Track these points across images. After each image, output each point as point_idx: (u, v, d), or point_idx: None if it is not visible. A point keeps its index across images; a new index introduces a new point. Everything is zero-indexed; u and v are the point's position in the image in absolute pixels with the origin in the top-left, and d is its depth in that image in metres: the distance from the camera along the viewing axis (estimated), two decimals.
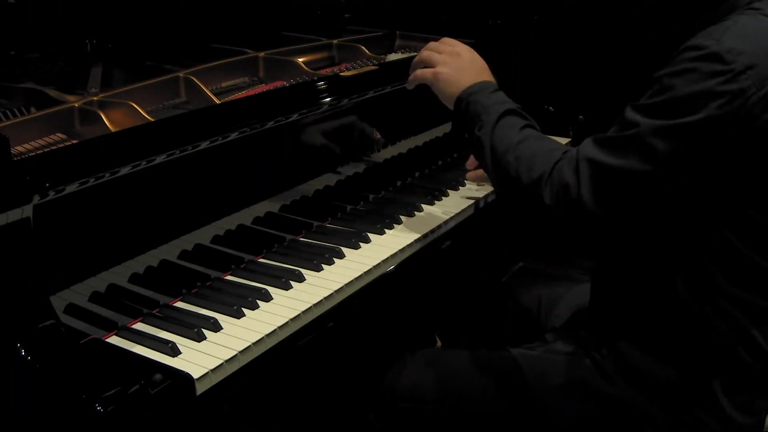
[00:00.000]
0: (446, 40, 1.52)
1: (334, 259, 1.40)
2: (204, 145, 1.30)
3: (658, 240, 1.20)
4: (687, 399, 1.23)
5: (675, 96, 1.08)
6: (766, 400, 1.24)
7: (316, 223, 1.56)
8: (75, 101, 1.45)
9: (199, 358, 1.10)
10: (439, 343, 2.03)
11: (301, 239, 1.51)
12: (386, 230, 1.53)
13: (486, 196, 1.74)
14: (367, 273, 1.37)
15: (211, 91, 1.58)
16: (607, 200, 1.14)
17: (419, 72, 1.49)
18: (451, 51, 1.48)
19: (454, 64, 1.46)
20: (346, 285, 1.32)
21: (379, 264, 1.40)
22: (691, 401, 1.23)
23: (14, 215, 1.04)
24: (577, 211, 1.16)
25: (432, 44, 1.51)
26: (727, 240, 1.16)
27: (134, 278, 1.24)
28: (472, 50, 1.49)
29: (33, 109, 1.47)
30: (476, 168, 1.61)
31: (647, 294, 1.25)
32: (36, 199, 1.06)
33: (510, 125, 1.33)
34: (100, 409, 0.95)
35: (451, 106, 1.43)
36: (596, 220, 1.15)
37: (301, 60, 1.81)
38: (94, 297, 1.18)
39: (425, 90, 1.83)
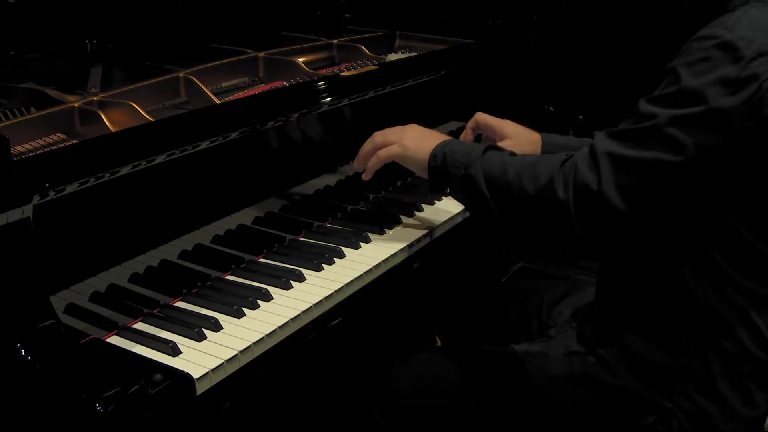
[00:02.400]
0: (385, 130, 1.47)
1: (335, 259, 1.40)
2: (204, 145, 1.30)
3: (672, 229, 1.20)
4: (690, 389, 1.23)
5: (690, 85, 1.10)
6: (767, 392, 1.24)
7: (316, 223, 1.56)
8: (75, 101, 1.45)
9: (199, 358, 1.10)
10: (438, 343, 2.03)
11: (302, 239, 1.51)
12: (386, 230, 1.53)
13: None
14: (367, 273, 1.37)
15: (211, 91, 1.58)
16: (632, 193, 1.14)
17: (383, 152, 1.43)
18: (400, 128, 1.45)
19: (413, 133, 1.43)
20: (347, 285, 1.32)
21: (379, 264, 1.40)
22: (694, 391, 1.23)
23: (14, 215, 1.04)
24: (599, 207, 1.15)
25: (376, 133, 1.47)
26: (731, 226, 1.17)
27: (134, 278, 1.24)
28: (417, 126, 1.48)
29: (33, 109, 1.48)
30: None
31: (654, 282, 1.25)
32: (36, 199, 1.06)
33: (496, 155, 1.31)
34: (100, 409, 0.95)
35: (423, 167, 1.38)
36: (619, 215, 1.15)
37: (301, 60, 1.81)
38: (94, 297, 1.18)
39: (425, 90, 1.84)
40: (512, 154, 1.32)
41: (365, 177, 1.47)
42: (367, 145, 1.47)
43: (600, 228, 1.19)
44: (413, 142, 1.41)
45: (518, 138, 1.62)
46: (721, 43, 1.10)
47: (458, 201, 1.40)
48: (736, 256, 1.19)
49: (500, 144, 1.61)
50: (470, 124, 1.68)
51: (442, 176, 1.36)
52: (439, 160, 1.36)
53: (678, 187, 1.14)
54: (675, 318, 1.24)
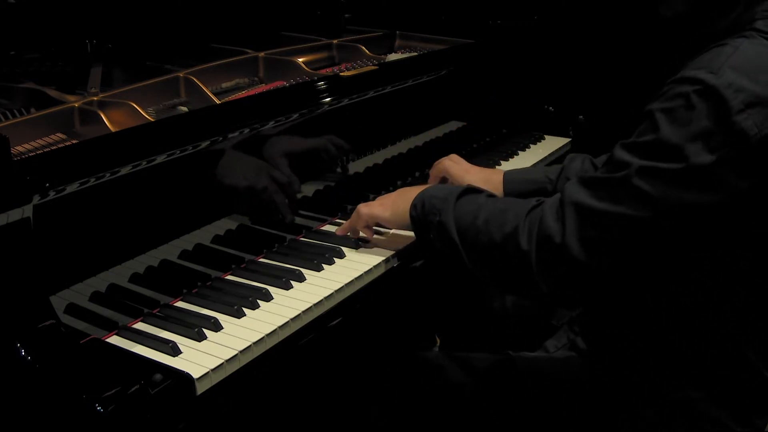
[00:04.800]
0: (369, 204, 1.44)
1: (335, 259, 1.40)
2: (204, 145, 1.30)
3: (649, 278, 1.14)
4: (685, 406, 1.22)
5: (668, 137, 1.00)
6: (763, 416, 1.23)
7: (316, 223, 1.56)
8: (75, 101, 1.45)
9: (199, 358, 1.10)
10: (438, 342, 2.03)
11: (302, 239, 1.51)
12: (387, 230, 1.53)
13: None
14: (367, 273, 1.37)
15: (211, 91, 1.58)
16: (596, 247, 1.05)
17: (365, 210, 1.39)
18: (378, 199, 1.43)
19: (392, 196, 1.40)
20: (347, 285, 1.32)
21: (379, 263, 1.40)
22: (694, 412, 1.22)
23: (14, 215, 1.04)
24: (561, 261, 1.07)
25: (360, 206, 1.43)
26: (722, 263, 1.11)
27: (134, 278, 1.24)
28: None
29: (33, 109, 1.47)
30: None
31: (640, 318, 1.23)
32: (36, 199, 1.06)
33: (470, 200, 1.24)
34: (100, 409, 0.95)
35: (407, 223, 1.34)
36: (583, 270, 1.07)
37: (301, 60, 1.81)
38: (95, 297, 1.18)
39: (425, 90, 1.84)
40: (490, 195, 1.25)
41: (341, 232, 1.44)
42: (353, 220, 1.43)
43: (565, 283, 1.10)
44: (393, 202, 1.37)
45: (480, 184, 1.54)
46: (703, 90, 0.98)
47: (436, 251, 1.29)
48: (730, 290, 1.13)
49: None
50: (435, 173, 1.63)
51: (421, 225, 1.29)
52: (418, 209, 1.30)
53: (648, 242, 1.05)
54: (667, 347, 1.21)
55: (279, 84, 1.74)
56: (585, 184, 1.09)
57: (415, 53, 2.08)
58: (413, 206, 1.31)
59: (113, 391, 0.97)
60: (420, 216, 1.30)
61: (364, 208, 1.41)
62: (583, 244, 1.05)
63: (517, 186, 1.56)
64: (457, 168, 1.60)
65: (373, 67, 1.74)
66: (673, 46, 1.17)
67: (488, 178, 1.58)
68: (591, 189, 1.07)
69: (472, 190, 1.28)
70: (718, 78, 0.98)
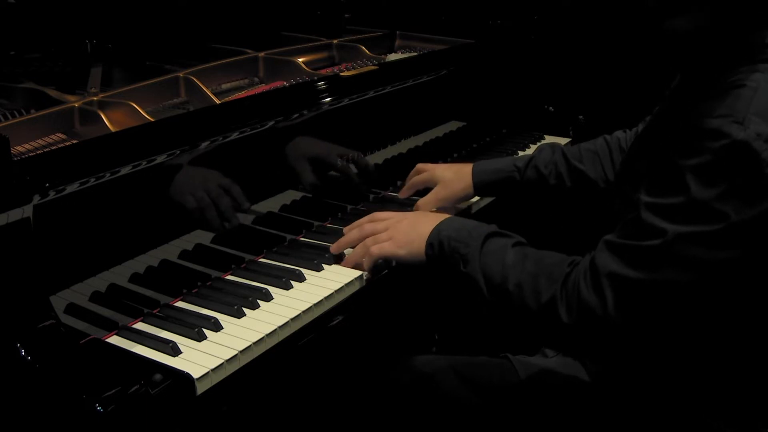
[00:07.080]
0: (378, 214, 1.38)
1: (335, 259, 1.40)
2: (204, 145, 1.30)
3: (691, 333, 1.12)
4: (685, 413, 1.22)
5: (702, 198, 0.97)
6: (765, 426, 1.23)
7: (316, 223, 1.56)
8: (75, 101, 1.45)
9: (199, 358, 1.10)
10: (437, 342, 2.03)
11: (302, 239, 1.51)
12: None
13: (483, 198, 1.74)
14: None
15: (211, 91, 1.58)
16: (639, 317, 1.04)
17: (376, 249, 1.31)
18: (393, 218, 1.35)
19: (405, 226, 1.31)
20: (347, 285, 1.32)
21: (379, 264, 1.40)
22: (689, 416, 1.22)
23: (14, 215, 1.04)
24: (604, 332, 1.06)
25: (367, 218, 1.38)
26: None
27: (135, 278, 1.24)
28: (409, 212, 1.39)
29: (33, 109, 1.47)
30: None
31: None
32: (36, 199, 1.06)
33: (497, 250, 1.18)
34: (100, 409, 0.95)
35: (422, 260, 1.27)
36: (627, 337, 1.06)
37: (301, 60, 1.81)
38: (95, 297, 1.18)
39: (425, 90, 1.84)
40: (515, 244, 1.19)
41: (346, 265, 1.35)
42: (354, 233, 1.37)
43: (606, 346, 1.11)
44: (406, 236, 1.29)
45: (450, 183, 1.58)
46: (732, 145, 0.95)
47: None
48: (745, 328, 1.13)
49: (434, 192, 1.58)
50: (410, 183, 1.65)
51: (440, 266, 1.25)
52: (435, 249, 1.24)
53: (691, 303, 1.03)
54: (665, 352, 1.19)
55: (279, 84, 1.74)
56: (616, 252, 1.05)
57: (415, 53, 2.08)
58: (429, 245, 1.26)
59: (113, 391, 0.97)
60: (438, 257, 1.24)
61: (375, 248, 1.31)
62: (624, 314, 1.04)
63: (484, 176, 1.60)
64: (426, 166, 1.65)
65: (373, 67, 1.74)
66: (678, 56, 1.15)
67: (458, 171, 1.61)
68: (624, 258, 1.04)
69: (496, 234, 1.22)
70: (745, 130, 0.96)
